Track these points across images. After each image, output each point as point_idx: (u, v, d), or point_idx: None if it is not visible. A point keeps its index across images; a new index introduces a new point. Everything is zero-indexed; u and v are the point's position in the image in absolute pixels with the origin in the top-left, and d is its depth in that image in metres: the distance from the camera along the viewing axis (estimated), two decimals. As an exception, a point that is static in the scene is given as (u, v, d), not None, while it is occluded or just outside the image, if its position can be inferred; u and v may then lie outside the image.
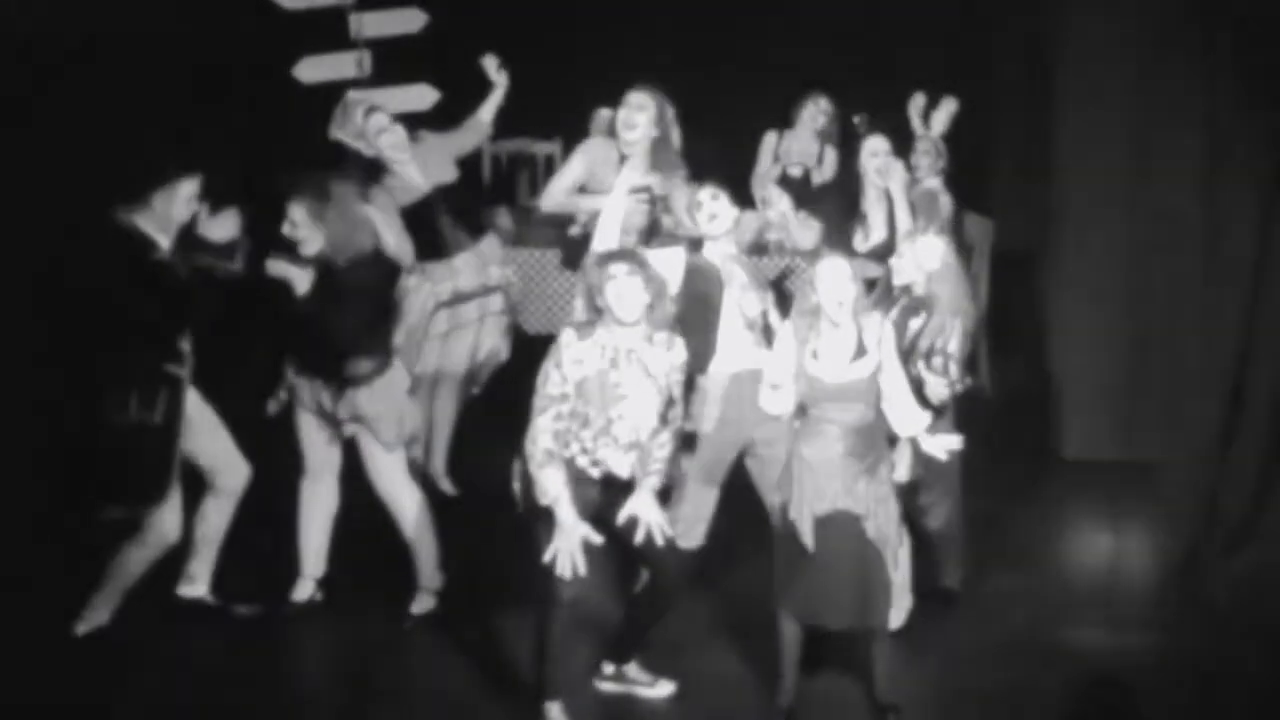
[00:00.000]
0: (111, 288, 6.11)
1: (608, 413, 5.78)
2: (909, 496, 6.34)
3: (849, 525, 5.77)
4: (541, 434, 5.73)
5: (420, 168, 7.25)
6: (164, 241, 6.17)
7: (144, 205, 6.15)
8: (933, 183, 8.10)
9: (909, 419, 5.88)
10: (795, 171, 8.53)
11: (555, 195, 7.02)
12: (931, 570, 6.59)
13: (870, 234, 7.28)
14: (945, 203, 8.16)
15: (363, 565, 6.79)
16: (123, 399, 6.14)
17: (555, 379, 5.75)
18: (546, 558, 5.68)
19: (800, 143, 8.55)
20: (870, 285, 6.47)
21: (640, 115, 6.86)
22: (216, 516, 6.51)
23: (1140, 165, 7.61)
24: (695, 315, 6.34)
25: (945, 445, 5.93)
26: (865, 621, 5.84)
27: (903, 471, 6.28)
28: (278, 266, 6.28)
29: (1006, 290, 8.83)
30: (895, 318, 6.24)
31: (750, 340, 6.39)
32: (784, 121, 8.65)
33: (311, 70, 8.06)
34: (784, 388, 5.87)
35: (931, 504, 6.43)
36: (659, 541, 5.81)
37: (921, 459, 6.22)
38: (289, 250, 6.27)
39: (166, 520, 6.32)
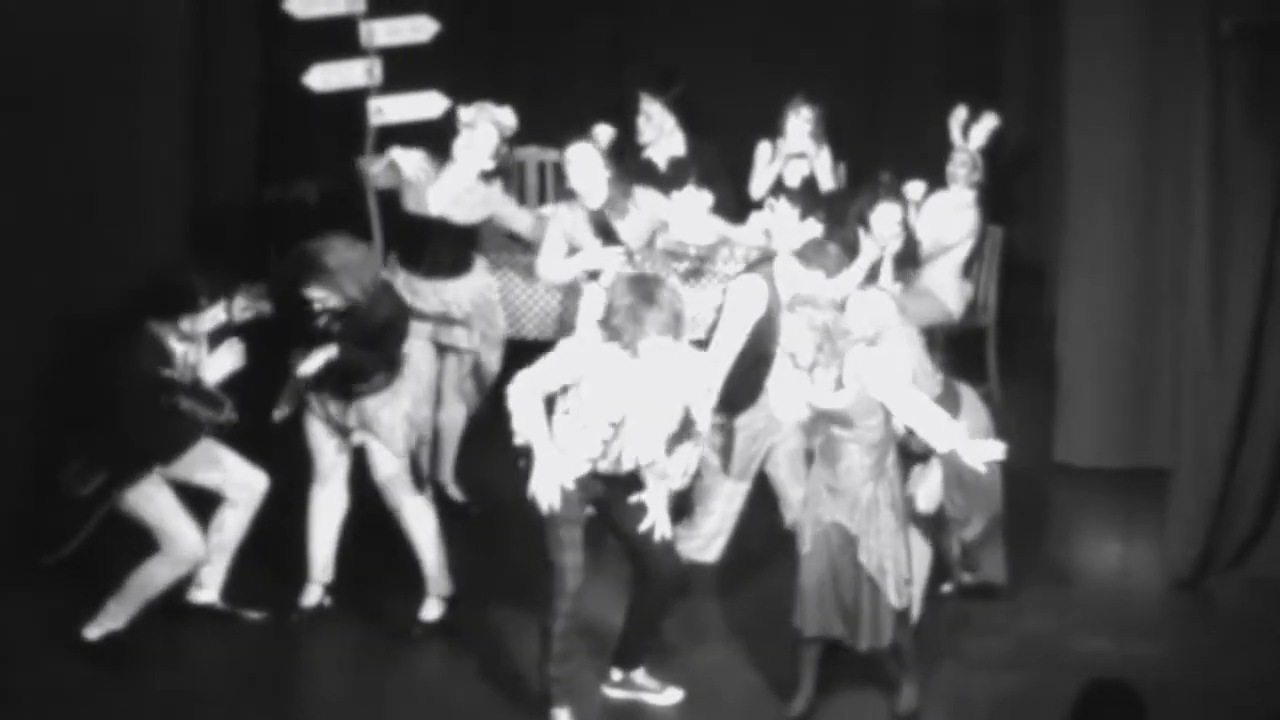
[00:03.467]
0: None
1: (612, 423, 5.79)
2: (938, 514, 6.39)
3: (846, 543, 5.80)
4: (523, 383, 5.75)
5: (443, 194, 7.27)
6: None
7: (172, 325, 6.30)
8: (966, 195, 8.20)
9: (941, 435, 5.83)
10: (793, 181, 8.55)
11: (555, 268, 7.18)
12: (979, 569, 6.61)
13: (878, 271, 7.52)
14: (974, 216, 8.23)
15: (371, 571, 6.79)
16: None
17: (559, 368, 5.75)
18: (528, 494, 5.72)
19: (793, 150, 8.57)
20: None
21: (588, 174, 7.06)
22: (234, 526, 6.54)
23: (1149, 171, 7.60)
24: (749, 348, 6.46)
25: (986, 456, 5.89)
26: (870, 641, 5.85)
27: (923, 503, 6.31)
28: None
29: (1015, 298, 8.83)
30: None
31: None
32: (776, 131, 8.69)
33: (322, 78, 8.07)
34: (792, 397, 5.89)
35: (963, 519, 6.46)
36: (657, 537, 5.85)
37: (953, 479, 6.24)
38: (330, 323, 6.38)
39: (188, 539, 6.34)
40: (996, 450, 5.90)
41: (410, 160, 7.20)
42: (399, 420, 6.48)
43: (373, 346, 6.42)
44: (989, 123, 8.31)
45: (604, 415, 5.77)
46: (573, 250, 7.14)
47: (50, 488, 6.34)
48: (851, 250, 7.28)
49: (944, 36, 9.65)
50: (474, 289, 7.40)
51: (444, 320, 7.32)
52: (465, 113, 7.39)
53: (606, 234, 7.12)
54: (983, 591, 6.67)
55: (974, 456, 5.84)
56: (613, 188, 7.13)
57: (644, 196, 7.26)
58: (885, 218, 7.55)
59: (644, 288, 5.71)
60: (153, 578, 6.33)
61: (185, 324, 6.32)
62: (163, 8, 7.66)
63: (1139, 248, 7.73)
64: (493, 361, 7.52)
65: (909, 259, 7.84)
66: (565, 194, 7.33)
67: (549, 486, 5.73)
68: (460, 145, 7.31)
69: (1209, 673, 6.28)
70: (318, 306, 6.34)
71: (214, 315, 6.42)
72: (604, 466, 5.85)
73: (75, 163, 6.99)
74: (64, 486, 6.26)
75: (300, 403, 6.54)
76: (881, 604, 5.82)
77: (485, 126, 7.30)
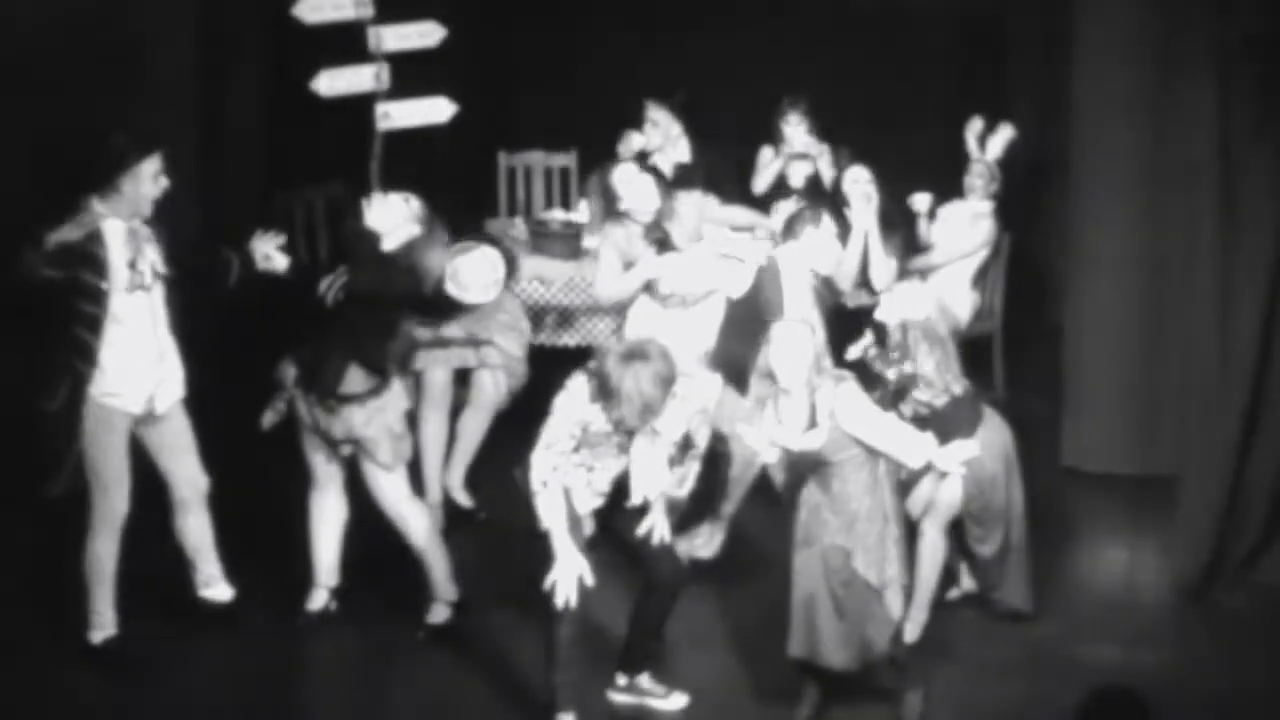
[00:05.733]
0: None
1: (611, 466, 5.82)
2: (959, 528, 6.40)
3: (844, 563, 5.78)
4: (539, 466, 5.76)
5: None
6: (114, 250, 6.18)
7: (114, 191, 6.14)
8: (982, 206, 8.23)
9: (912, 453, 5.84)
10: (797, 182, 8.57)
11: (616, 286, 7.24)
12: (1001, 592, 6.60)
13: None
14: (989, 226, 8.25)
15: (378, 576, 6.78)
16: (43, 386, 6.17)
17: (564, 432, 5.75)
18: (546, 585, 5.74)
19: (794, 151, 8.59)
20: (868, 323, 6.53)
21: (641, 192, 7.19)
22: (197, 525, 6.47)
23: (1156, 179, 7.60)
24: (749, 328, 6.49)
25: (959, 456, 5.91)
26: (864, 657, 5.85)
27: (944, 511, 6.32)
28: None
29: (1021, 305, 8.82)
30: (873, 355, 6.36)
31: None
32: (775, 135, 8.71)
33: (330, 83, 8.08)
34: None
35: (985, 535, 6.47)
36: (655, 541, 5.88)
37: (973, 489, 6.26)
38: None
39: (119, 496, 6.24)
40: (970, 448, 5.92)
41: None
42: (383, 434, 6.43)
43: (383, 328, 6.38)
44: (1005, 134, 8.37)
45: (610, 461, 5.79)
46: (628, 266, 7.20)
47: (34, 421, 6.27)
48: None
49: (952, 45, 9.65)
50: (498, 305, 7.29)
51: (473, 343, 7.32)
52: None
53: (661, 243, 7.21)
54: (1008, 617, 6.65)
55: (948, 461, 5.87)
56: (662, 196, 7.22)
57: (684, 197, 7.39)
58: (853, 180, 7.65)
59: (635, 371, 5.62)
60: (97, 556, 6.26)
61: (126, 185, 6.13)
62: (171, 12, 7.68)
63: (1146, 255, 7.72)
64: (518, 368, 7.49)
65: (891, 223, 7.82)
66: (612, 216, 7.40)
67: (568, 582, 5.73)
68: None
69: (1216, 681, 6.26)
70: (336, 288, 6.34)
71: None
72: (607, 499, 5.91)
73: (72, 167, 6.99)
74: (37, 408, 6.17)
75: (291, 408, 6.50)
76: (877, 615, 5.80)
77: None
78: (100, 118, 7.05)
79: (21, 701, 6.09)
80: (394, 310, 6.53)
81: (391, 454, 6.45)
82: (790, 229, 6.99)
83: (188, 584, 6.55)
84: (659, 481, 5.88)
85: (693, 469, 6.01)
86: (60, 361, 6.17)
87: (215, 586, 6.59)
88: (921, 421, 6.15)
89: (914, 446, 5.82)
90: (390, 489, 6.50)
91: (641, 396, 5.61)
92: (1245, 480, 6.92)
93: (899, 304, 6.40)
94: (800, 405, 5.79)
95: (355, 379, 6.36)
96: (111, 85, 7.19)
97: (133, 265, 6.18)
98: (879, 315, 6.46)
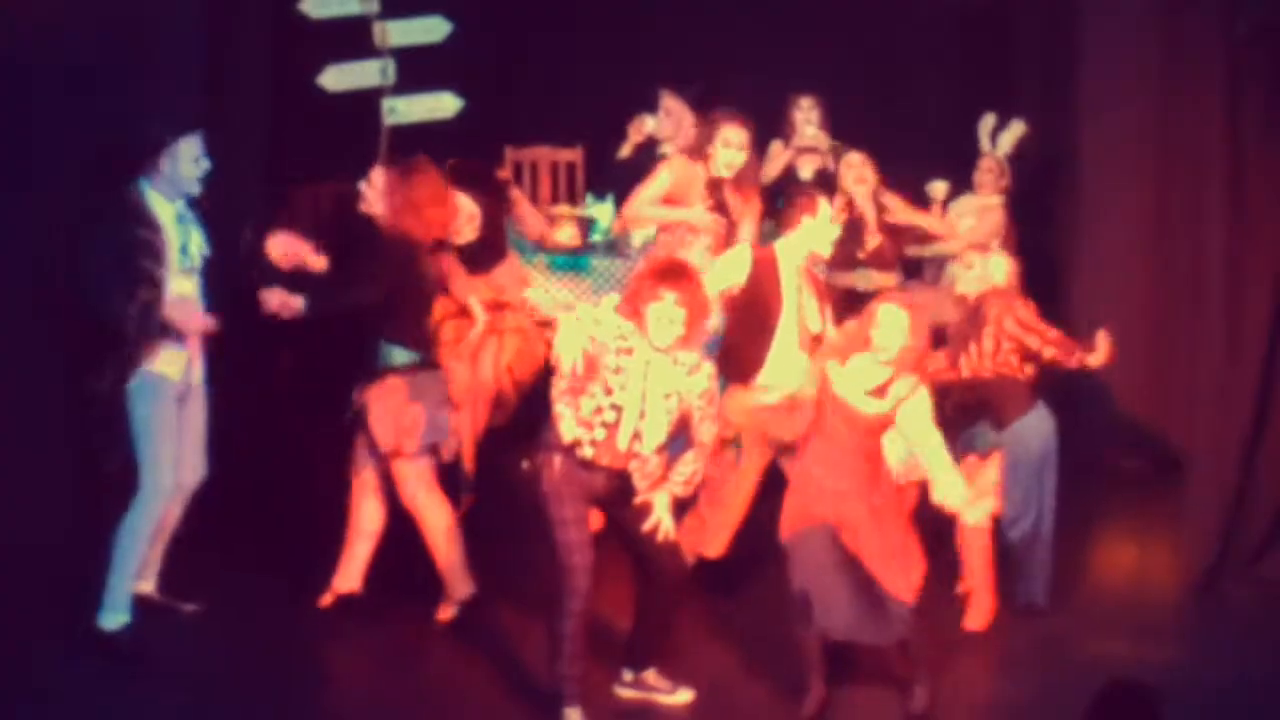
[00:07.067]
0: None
1: (614, 404, 5.79)
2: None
3: (834, 539, 5.82)
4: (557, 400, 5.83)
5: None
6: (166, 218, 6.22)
7: (156, 172, 6.22)
8: (993, 200, 8.25)
9: (945, 483, 5.90)
10: (806, 174, 8.56)
11: (641, 208, 7.27)
12: (1019, 584, 6.64)
13: (867, 242, 7.81)
14: (998, 220, 8.28)
15: (391, 569, 6.78)
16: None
17: (569, 360, 5.78)
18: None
19: (803, 144, 8.58)
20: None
21: (741, 155, 7.20)
22: (169, 519, 6.44)
23: (1163, 172, 7.59)
24: (752, 321, 6.53)
25: (978, 515, 6.17)
26: (874, 638, 5.84)
27: (985, 504, 6.46)
28: None
29: (1029, 299, 8.78)
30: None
31: (801, 359, 6.57)
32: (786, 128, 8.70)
33: (336, 79, 8.08)
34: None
35: (1014, 518, 6.51)
36: (660, 537, 5.87)
37: (1013, 475, 6.41)
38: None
39: (166, 469, 6.24)
40: (988, 507, 6.11)
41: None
42: (387, 417, 6.42)
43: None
44: (1017, 130, 8.39)
45: (606, 390, 5.77)
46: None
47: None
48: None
49: (958, 39, 9.64)
50: (508, 274, 7.36)
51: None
52: None
53: (720, 206, 7.22)
54: (1025, 611, 6.67)
55: (970, 515, 6.06)
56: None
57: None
58: (848, 165, 7.82)
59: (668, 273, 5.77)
60: (134, 532, 6.22)
61: (166, 165, 6.23)
62: (175, 8, 7.66)
63: (1154, 249, 7.72)
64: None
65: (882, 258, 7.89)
66: (690, 151, 7.38)
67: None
68: None
69: (1224, 675, 6.25)
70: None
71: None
72: (605, 460, 5.84)
73: (85, 164, 6.98)
74: (89, 390, 6.20)
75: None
76: (875, 598, 5.80)
77: None
78: (104, 113, 7.06)
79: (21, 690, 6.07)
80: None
81: (419, 443, 6.42)
82: (786, 220, 6.95)
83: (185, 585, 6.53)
84: (655, 440, 5.84)
85: (698, 468, 5.99)
86: (108, 341, 6.18)
87: (147, 580, 6.53)
88: (978, 400, 6.34)
89: (949, 479, 5.89)
90: (410, 478, 6.48)
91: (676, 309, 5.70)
92: (1253, 476, 6.91)
93: (983, 274, 6.59)
94: (879, 375, 5.85)
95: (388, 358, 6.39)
96: (116, 82, 7.18)
97: (184, 249, 6.25)
98: (961, 288, 6.69)
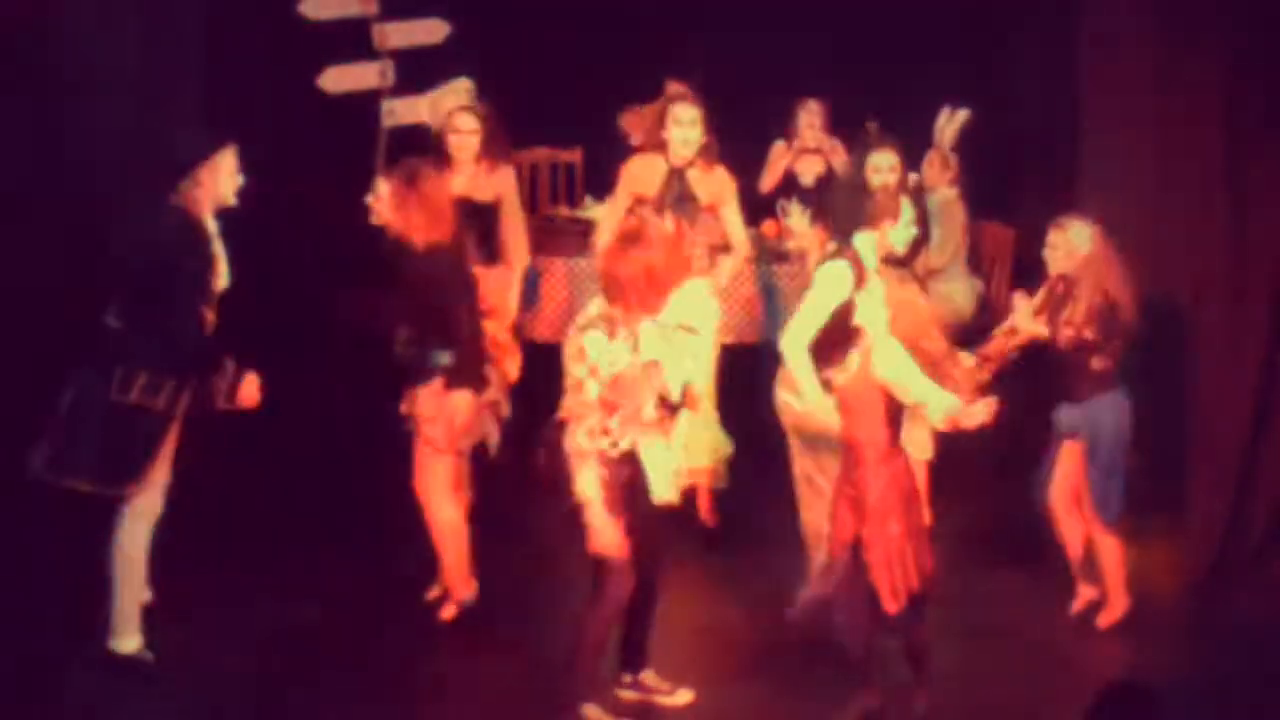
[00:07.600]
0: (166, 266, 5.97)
1: (641, 400, 5.76)
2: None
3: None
4: (580, 434, 5.72)
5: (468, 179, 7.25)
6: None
7: (195, 185, 6.00)
8: (949, 192, 8.18)
9: (939, 407, 5.79)
10: (807, 179, 8.56)
11: (609, 216, 7.27)
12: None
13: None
14: (958, 211, 8.21)
15: (398, 564, 6.78)
16: (129, 379, 5.97)
17: (591, 386, 5.71)
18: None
19: (806, 147, 8.58)
20: None
21: (695, 130, 7.13)
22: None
23: (1164, 169, 7.58)
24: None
25: (980, 415, 5.87)
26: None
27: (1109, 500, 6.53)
28: None
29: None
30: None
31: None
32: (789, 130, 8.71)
33: (336, 81, 8.10)
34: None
35: (1102, 497, 6.59)
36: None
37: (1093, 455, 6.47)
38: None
39: (157, 488, 6.14)
40: (990, 405, 5.87)
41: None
42: (441, 415, 6.40)
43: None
44: (959, 119, 8.27)
45: (626, 400, 5.73)
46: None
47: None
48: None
49: (958, 36, 9.64)
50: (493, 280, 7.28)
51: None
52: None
53: (685, 196, 7.19)
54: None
55: (971, 418, 5.82)
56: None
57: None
58: (876, 167, 7.20)
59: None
60: (135, 546, 6.11)
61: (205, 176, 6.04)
62: (174, 10, 7.68)
63: (1154, 246, 7.70)
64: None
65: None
66: (645, 146, 7.37)
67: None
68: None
69: (1224, 676, 6.25)
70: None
71: None
72: (615, 453, 5.83)
73: (83, 165, 7.00)
74: (136, 402, 5.97)
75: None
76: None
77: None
78: (105, 117, 7.08)
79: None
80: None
81: (445, 437, 6.40)
82: (867, 222, 6.55)
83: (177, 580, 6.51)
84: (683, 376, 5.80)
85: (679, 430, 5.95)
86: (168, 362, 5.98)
87: (145, 590, 6.39)
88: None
89: (940, 401, 5.77)
90: (434, 470, 6.48)
91: (644, 274, 5.63)
92: (1254, 476, 6.91)
93: (1068, 249, 6.54)
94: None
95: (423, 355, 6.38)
96: (113, 85, 7.19)
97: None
98: (1054, 269, 6.61)
